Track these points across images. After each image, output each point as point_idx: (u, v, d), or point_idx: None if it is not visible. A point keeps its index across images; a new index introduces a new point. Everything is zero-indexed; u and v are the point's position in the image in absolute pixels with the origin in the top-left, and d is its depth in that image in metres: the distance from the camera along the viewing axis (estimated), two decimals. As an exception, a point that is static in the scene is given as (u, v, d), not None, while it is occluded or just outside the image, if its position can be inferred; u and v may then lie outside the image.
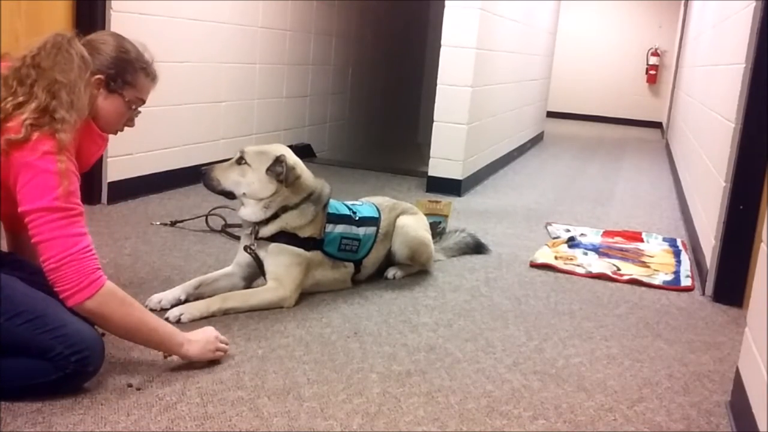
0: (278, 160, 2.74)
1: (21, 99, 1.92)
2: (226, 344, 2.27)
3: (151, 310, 2.56)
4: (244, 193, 2.75)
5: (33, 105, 1.91)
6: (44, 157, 1.88)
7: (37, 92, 1.94)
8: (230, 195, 2.79)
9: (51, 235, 1.87)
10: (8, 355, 1.90)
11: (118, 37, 2.20)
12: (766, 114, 3.08)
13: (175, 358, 2.22)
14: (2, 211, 2.02)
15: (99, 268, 1.93)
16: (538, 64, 8.35)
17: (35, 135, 1.88)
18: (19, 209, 1.89)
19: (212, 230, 3.73)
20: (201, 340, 2.18)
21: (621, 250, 4.03)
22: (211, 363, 2.22)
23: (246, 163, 2.75)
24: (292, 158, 2.82)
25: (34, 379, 1.91)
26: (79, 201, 1.94)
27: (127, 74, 2.15)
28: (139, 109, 2.26)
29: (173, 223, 3.79)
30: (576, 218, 4.86)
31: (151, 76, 2.23)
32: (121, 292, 1.99)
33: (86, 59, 2.05)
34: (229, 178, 2.76)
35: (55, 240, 1.87)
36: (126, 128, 2.29)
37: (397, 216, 3.19)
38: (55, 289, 1.90)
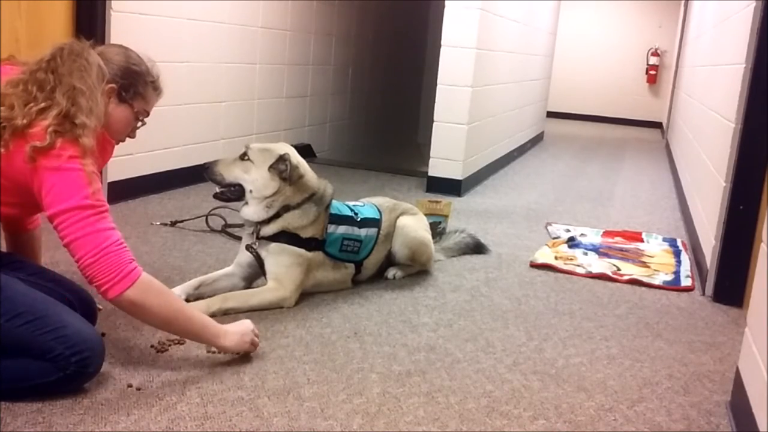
0: (282, 159, 2.75)
1: (43, 105, 1.95)
2: (258, 337, 2.29)
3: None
4: (250, 191, 2.75)
5: (54, 111, 1.95)
6: (70, 161, 1.92)
7: (58, 98, 1.97)
8: (236, 190, 2.78)
9: (83, 232, 1.89)
10: (9, 356, 1.89)
11: (128, 50, 2.28)
12: (766, 114, 3.08)
13: (175, 355, 2.22)
14: (3, 213, 2.02)
15: (134, 260, 1.97)
16: (538, 64, 8.35)
17: (59, 141, 1.92)
18: (48, 213, 1.92)
19: (212, 230, 3.73)
20: (238, 332, 2.20)
21: (621, 250, 4.03)
22: (212, 364, 2.23)
23: (249, 159, 2.76)
24: (295, 157, 2.82)
25: (35, 379, 1.90)
26: (104, 199, 1.98)
27: (139, 86, 2.24)
28: (145, 120, 2.33)
29: (173, 223, 3.79)
30: (576, 218, 4.86)
31: (158, 90, 2.32)
32: (158, 282, 2.02)
33: (103, 68, 2.11)
34: (232, 173, 2.77)
35: (88, 236, 1.90)
36: (126, 138, 2.36)
37: (398, 216, 3.19)
38: (94, 284, 1.93)
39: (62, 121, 1.94)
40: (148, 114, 2.32)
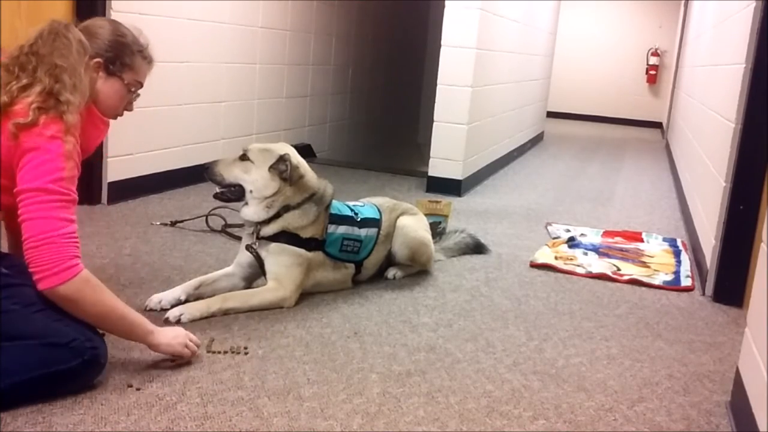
0: (282, 159, 2.75)
1: (25, 82, 1.95)
2: (197, 345, 2.23)
3: (151, 310, 2.57)
4: (250, 191, 2.75)
5: (38, 88, 1.94)
6: (52, 141, 1.90)
7: (40, 76, 1.96)
8: (236, 191, 2.78)
9: (38, 214, 1.87)
10: (25, 346, 1.88)
11: (114, 22, 2.24)
12: (766, 114, 3.08)
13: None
14: (3, 202, 2.00)
15: (78, 256, 1.92)
16: (538, 64, 8.35)
17: (43, 118, 1.91)
18: (16, 189, 1.90)
19: (212, 230, 3.73)
20: (170, 334, 2.17)
21: (621, 250, 4.03)
22: (212, 364, 2.22)
23: (249, 159, 2.76)
24: (296, 157, 2.82)
25: (54, 365, 1.89)
26: (74, 189, 1.95)
27: (125, 57, 2.19)
28: (138, 92, 2.28)
29: (173, 223, 3.79)
30: (576, 218, 4.86)
31: (147, 59, 2.27)
32: (94, 279, 1.97)
33: (84, 43, 2.08)
34: (232, 173, 2.76)
35: (40, 220, 1.87)
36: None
37: (398, 217, 3.19)
38: (30, 269, 1.88)
39: (46, 98, 1.93)
40: (141, 85, 2.27)
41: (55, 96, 1.94)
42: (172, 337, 2.16)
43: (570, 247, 3.98)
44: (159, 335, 2.13)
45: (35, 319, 1.90)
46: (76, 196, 1.95)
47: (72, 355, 1.90)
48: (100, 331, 2.05)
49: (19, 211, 1.89)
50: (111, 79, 2.18)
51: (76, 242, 1.92)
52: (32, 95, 1.93)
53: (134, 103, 2.30)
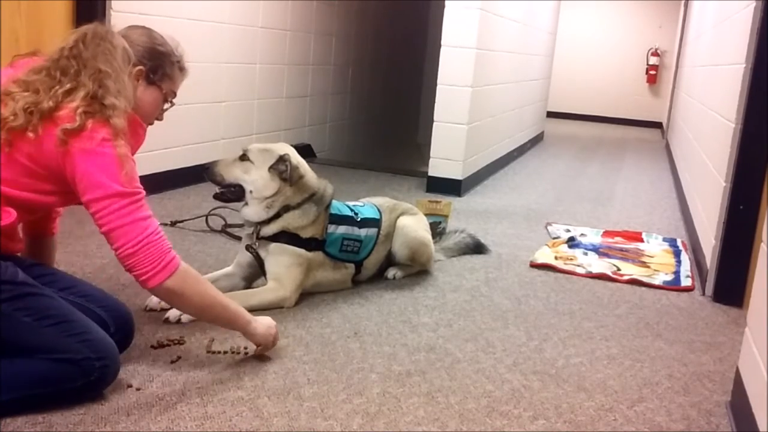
0: (282, 159, 2.75)
1: (68, 86, 1.93)
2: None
3: (151, 309, 2.57)
4: (250, 191, 2.75)
5: (82, 93, 1.93)
6: (103, 144, 1.89)
7: (84, 80, 1.95)
8: (236, 191, 2.78)
9: (121, 222, 1.90)
10: (33, 360, 1.87)
11: (152, 31, 2.24)
12: (766, 114, 3.08)
13: (174, 355, 2.23)
14: (40, 202, 1.99)
15: (172, 248, 1.97)
16: (538, 64, 8.35)
17: (90, 123, 1.90)
18: (83, 199, 1.91)
19: (212, 230, 3.73)
20: (265, 324, 2.25)
21: (621, 250, 4.03)
22: (212, 364, 2.23)
23: (249, 160, 2.76)
24: (296, 158, 2.82)
25: (60, 384, 1.87)
26: (140, 185, 1.96)
27: (166, 66, 2.20)
28: (173, 102, 2.29)
29: (173, 223, 3.79)
30: (576, 218, 4.86)
31: (183, 70, 2.29)
32: (194, 271, 2.03)
33: (128, 51, 2.08)
34: (232, 173, 2.76)
35: (126, 227, 1.90)
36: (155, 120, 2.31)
37: (398, 217, 3.19)
38: (133, 274, 1.93)
39: (91, 102, 1.92)
40: (175, 95, 2.28)
41: (100, 100, 1.93)
42: (266, 329, 2.24)
43: (570, 247, 3.98)
44: (257, 326, 2.21)
45: (45, 333, 1.87)
46: (143, 192, 1.96)
47: (80, 373, 1.88)
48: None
49: (98, 222, 1.92)
50: (150, 88, 2.18)
51: (164, 237, 1.97)
52: (77, 100, 1.91)
53: (165, 113, 2.31)
